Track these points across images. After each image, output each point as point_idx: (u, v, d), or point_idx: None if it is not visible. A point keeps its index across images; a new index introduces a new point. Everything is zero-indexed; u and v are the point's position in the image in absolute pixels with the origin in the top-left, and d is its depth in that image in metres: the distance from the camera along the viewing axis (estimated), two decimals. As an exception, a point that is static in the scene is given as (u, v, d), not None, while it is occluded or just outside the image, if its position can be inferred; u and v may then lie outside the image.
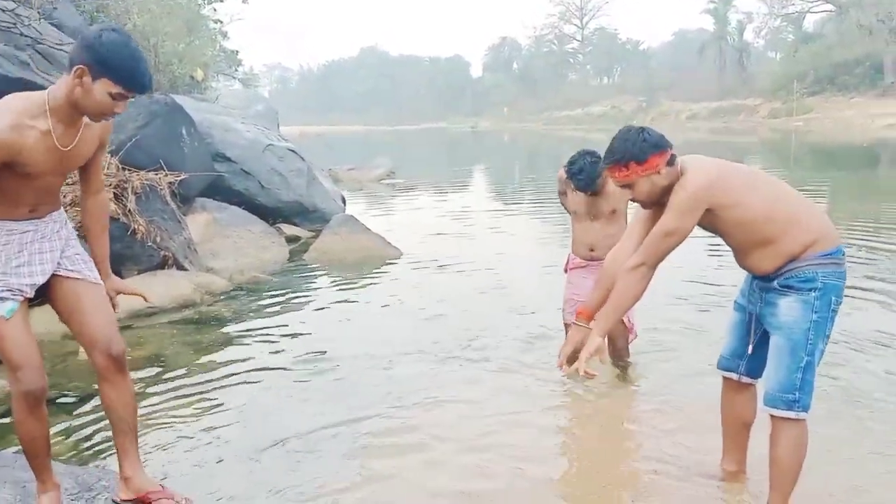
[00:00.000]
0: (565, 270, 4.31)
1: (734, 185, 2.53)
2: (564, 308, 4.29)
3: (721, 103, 48.24)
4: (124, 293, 2.79)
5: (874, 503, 2.85)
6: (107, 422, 3.77)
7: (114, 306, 2.70)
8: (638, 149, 2.53)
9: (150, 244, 6.34)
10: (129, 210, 6.29)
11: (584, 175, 3.82)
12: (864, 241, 7.91)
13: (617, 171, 2.57)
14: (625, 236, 2.81)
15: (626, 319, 4.11)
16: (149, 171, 6.83)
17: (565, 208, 4.28)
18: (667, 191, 2.56)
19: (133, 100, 7.30)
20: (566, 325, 4.30)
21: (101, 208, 2.68)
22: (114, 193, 6.31)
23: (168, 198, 6.90)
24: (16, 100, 2.22)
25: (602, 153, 2.80)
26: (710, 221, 2.56)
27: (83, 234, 2.73)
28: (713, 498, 2.93)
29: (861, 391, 3.91)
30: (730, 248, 2.71)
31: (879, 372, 4.18)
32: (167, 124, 7.46)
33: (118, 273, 6.09)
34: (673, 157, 2.56)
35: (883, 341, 4.73)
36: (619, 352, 4.23)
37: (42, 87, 2.41)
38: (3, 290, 2.29)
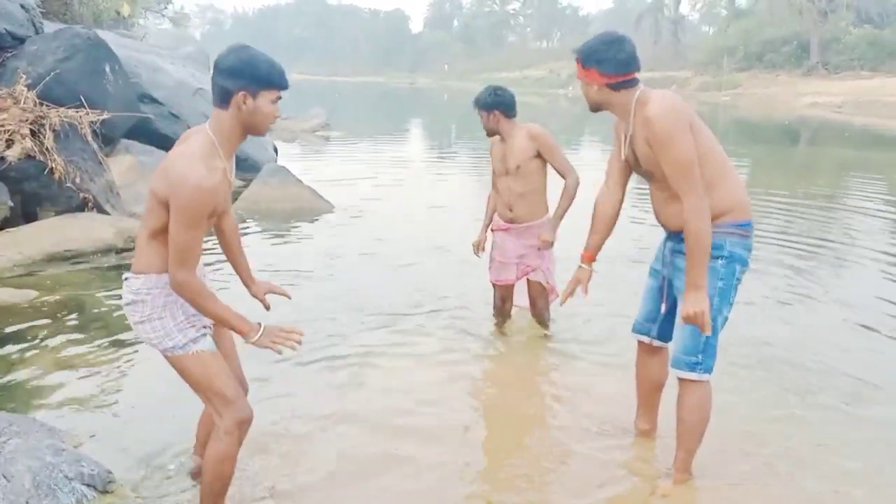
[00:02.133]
0: (491, 230, 4.37)
1: (690, 126, 2.55)
2: (489, 267, 4.35)
3: (654, 74, 48.91)
4: (274, 292, 2.76)
5: (770, 454, 3.03)
6: (17, 366, 3.68)
7: (266, 307, 2.74)
8: (589, 54, 2.60)
9: (68, 185, 6.08)
10: (47, 148, 6.01)
11: (477, 97, 4.07)
12: (779, 213, 8.25)
13: (575, 62, 2.65)
14: (605, 179, 2.89)
15: (544, 281, 4.22)
16: (69, 107, 6.51)
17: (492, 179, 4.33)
18: (603, 107, 2.66)
19: (53, 32, 6.88)
20: (493, 284, 4.37)
21: (236, 226, 2.74)
22: (30, 130, 6.01)
23: (89, 137, 6.60)
24: (193, 146, 2.20)
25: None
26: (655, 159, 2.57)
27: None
28: (626, 453, 3.06)
29: (767, 355, 4.12)
30: (652, 201, 2.77)
31: (785, 335, 4.40)
32: (89, 60, 7.08)
33: (34, 215, 5.91)
34: (619, 84, 2.58)
35: (788, 307, 4.98)
36: (539, 311, 4.33)
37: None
38: (199, 329, 2.36)
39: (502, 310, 4.44)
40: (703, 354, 2.65)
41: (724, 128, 22.68)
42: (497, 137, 4.14)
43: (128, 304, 2.35)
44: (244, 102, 2.19)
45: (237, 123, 2.23)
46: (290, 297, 2.81)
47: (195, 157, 2.16)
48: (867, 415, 3.46)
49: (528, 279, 4.26)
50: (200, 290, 2.22)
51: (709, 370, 2.68)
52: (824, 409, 3.51)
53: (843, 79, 36.39)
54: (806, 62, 40.31)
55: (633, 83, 2.60)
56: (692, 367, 2.66)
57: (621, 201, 2.93)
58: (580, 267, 3.01)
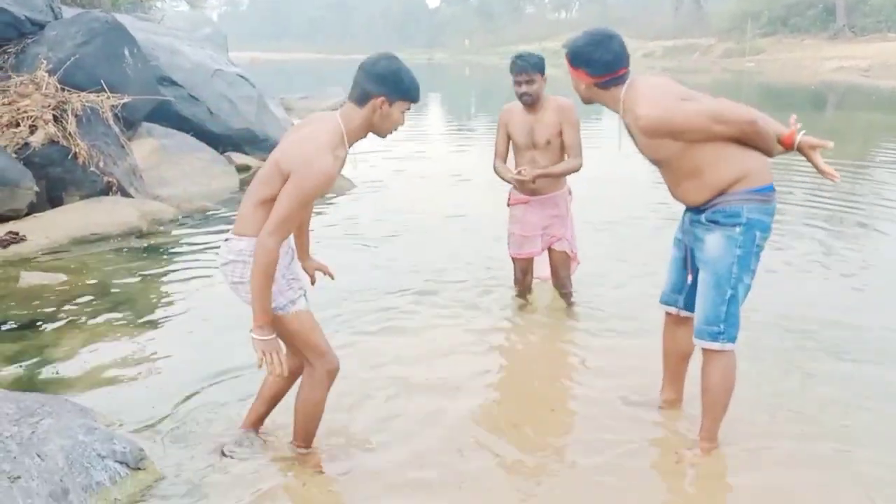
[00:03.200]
0: (508, 204, 4.31)
1: (687, 94, 2.58)
2: (509, 242, 4.30)
3: (676, 42, 48.16)
4: (322, 271, 2.97)
5: (796, 422, 3.01)
6: (49, 348, 3.75)
7: (312, 281, 2.93)
8: (577, 55, 2.63)
9: (92, 169, 6.14)
10: (70, 133, 6.06)
11: (523, 57, 3.87)
12: (802, 183, 8.11)
13: (565, 58, 2.68)
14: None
15: (569, 249, 4.19)
16: (90, 92, 6.55)
17: (497, 150, 4.15)
18: (594, 102, 2.70)
19: (71, 17, 6.92)
20: (512, 259, 4.35)
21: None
22: (52, 115, 6.06)
23: (111, 121, 6.65)
24: (324, 133, 2.39)
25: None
26: (658, 147, 2.58)
27: None
28: (652, 422, 3.06)
29: (795, 323, 4.07)
30: (665, 181, 2.75)
31: (811, 302, 4.35)
32: (108, 44, 7.11)
33: (60, 199, 5.98)
34: (607, 83, 2.61)
35: (814, 274, 4.91)
36: (561, 281, 4.30)
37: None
38: (297, 290, 2.56)
39: (523, 282, 4.41)
40: (724, 324, 2.62)
41: (749, 95, 22.28)
42: (514, 107, 4.03)
43: (226, 264, 2.52)
44: (381, 107, 2.41)
45: (367, 123, 2.45)
46: (333, 279, 3.02)
47: (325, 145, 2.35)
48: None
49: (550, 249, 4.21)
50: (273, 263, 2.36)
51: (732, 339, 2.65)
52: (851, 376, 3.46)
53: (869, 41, 35.52)
54: (832, 25, 39.36)
55: (620, 80, 2.63)
56: (714, 336, 2.64)
57: None
58: None
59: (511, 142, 4.12)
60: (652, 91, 2.57)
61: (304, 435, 2.73)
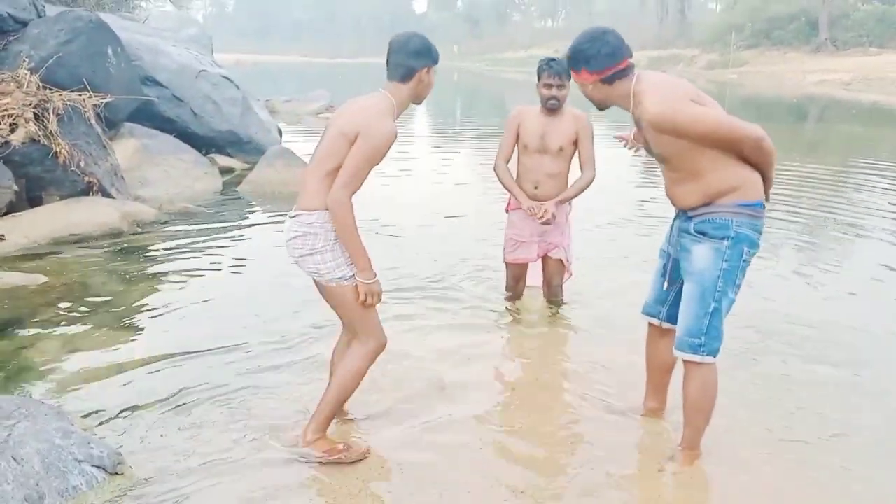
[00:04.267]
0: (507, 210, 4.33)
1: (697, 96, 2.56)
2: (505, 247, 4.33)
3: (661, 52, 48.55)
4: None
5: (778, 434, 3.02)
6: (26, 349, 3.69)
7: None
8: (575, 58, 2.62)
9: (73, 169, 6.07)
10: (51, 132, 5.98)
11: (557, 61, 3.88)
12: (785, 193, 8.19)
13: (570, 69, 2.70)
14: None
15: (565, 258, 4.21)
16: (72, 91, 6.48)
17: (502, 151, 4.17)
18: (605, 103, 2.66)
19: (55, 15, 6.85)
20: (506, 264, 4.36)
21: None
22: (34, 113, 5.99)
23: (93, 121, 6.58)
24: (382, 104, 2.66)
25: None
26: (667, 141, 2.54)
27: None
28: (635, 430, 3.06)
29: (776, 334, 4.10)
30: (664, 181, 2.75)
31: (794, 313, 4.38)
32: (91, 42, 7.04)
33: (39, 199, 5.90)
34: (613, 76, 2.57)
35: (793, 291, 4.95)
36: (553, 290, 4.32)
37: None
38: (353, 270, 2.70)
39: (515, 289, 4.43)
40: (706, 337, 2.62)
41: (732, 106, 22.48)
42: (527, 109, 4.05)
43: (295, 238, 2.68)
44: (426, 75, 2.72)
45: (412, 94, 2.74)
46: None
47: (386, 113, 2.64)
48: (872, 390, 3.45)
49: (546, 257, 4.23)
50: (351, 213, 2.59)
51: (713, 353, 2.65)
52: (831, 386, 3.49)
53: (851, 55, 36.02)
54: (814, 39, 39.87)
55: (626, 72, 2.59)
56: (695, 349, 2.64)
57: None
58: None
59: (519, 143, 4.12)
60: (662, 86, 2.54)
61: (335, 406, 2.79)
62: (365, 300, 2.66)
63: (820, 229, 6.70)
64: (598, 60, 2.56)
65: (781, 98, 26.31)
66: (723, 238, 2.58)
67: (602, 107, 2.70)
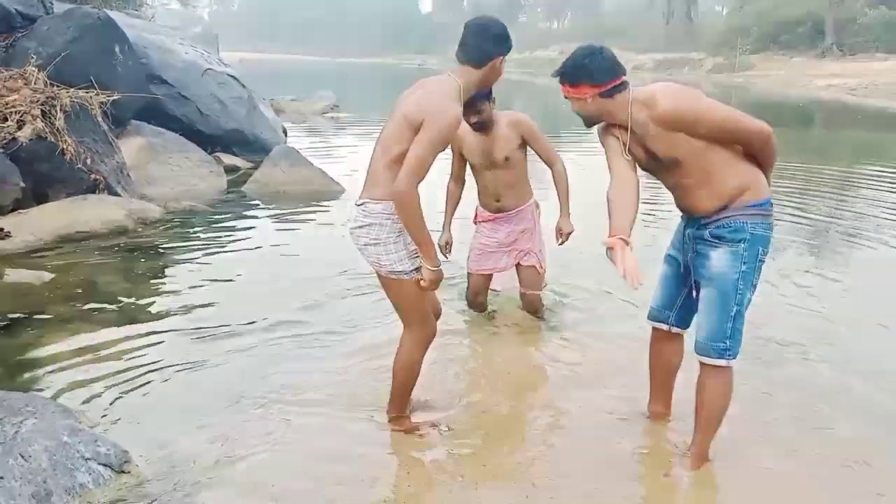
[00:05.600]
0: (474, 221, 4.23)
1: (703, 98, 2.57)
2: (469, 256, 4.20)
3: (667, 55, 48.49)
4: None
5: (785, 439, 3.02)
6: (33, 347, 3.70)
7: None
8: (574, 72, 2.59)
9: (79, 166, 6.09)
10: (58, 129, 6.01)
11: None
12: (790, 198, 8.19)
13: (561, 85, 2.64)
14: (613, 175, 2.64)
15: (538, 264, 4.08)
16: (79, 88, 6.50)
17: (453, 173, 4.13)
18: (600, 119, 2.64)
19: (63, 12, 6.88)
20: (469, 273, 4.25)
21: None
22: (41, 110, 6.01)
23: (99, 118, 6.60)
24: (447, 88, 2.65)
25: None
26: (680, 143, 2.53)
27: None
28: (642, 434, 3.06)
29: (783, 338, 4.09)
30: (673, 191, 2.73)
31: (799, 318, 4.38)
32: (99, 40, 7.07)
33: (46, 196, 5.92)
34: (612, 90, 2.57)
35: (797, 296, 4.95)
36: (532, 304, 4.22)
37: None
38: (418, 261, 2.74)
39: (475, 303, 4.30)
40: (730, 340, 2.62)
41: (738, 110, 22.45)
42: (465, 130, 3.81)
43: (360, 227, 2.72)
44: (500, 63, 2.72)
45: (482, 79, 2.72)
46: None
47: (452, 96, 2.62)
48: (880, 399, 3.44)
49: (519, 265, 4.12)
50: (417, 201, 2.58)
51: (736, 355, 2.66)
52: (839, 392, 3.49)
53: (858, 61, 35.92)
54: (820, 44, 39.77)
55: (624, 87, 2.60)
56: (721, 353, 2.64)
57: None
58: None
59: (468, 163, 4.04)
60: (669, 86, 2.58)
61: (401, 397, 2.95)
62: (426, 286, 2.71)
63: (824, 233, 6.69)
64: (601, 74, 2.57)
65: (787, 102, 26.26)
66: (740, 241, 2.59)
67: (592, 122, 2.70)
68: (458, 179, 4.13)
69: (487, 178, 3.98)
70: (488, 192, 4.03)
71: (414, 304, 2.79)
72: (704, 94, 2.60)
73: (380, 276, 2.81)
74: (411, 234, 2.64)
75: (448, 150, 3.77)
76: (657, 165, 2.66)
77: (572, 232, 3.98)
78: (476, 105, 3.67)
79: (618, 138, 2.67)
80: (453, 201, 4.17)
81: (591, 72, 2.57)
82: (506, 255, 4.11)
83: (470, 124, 3.77)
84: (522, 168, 3.98)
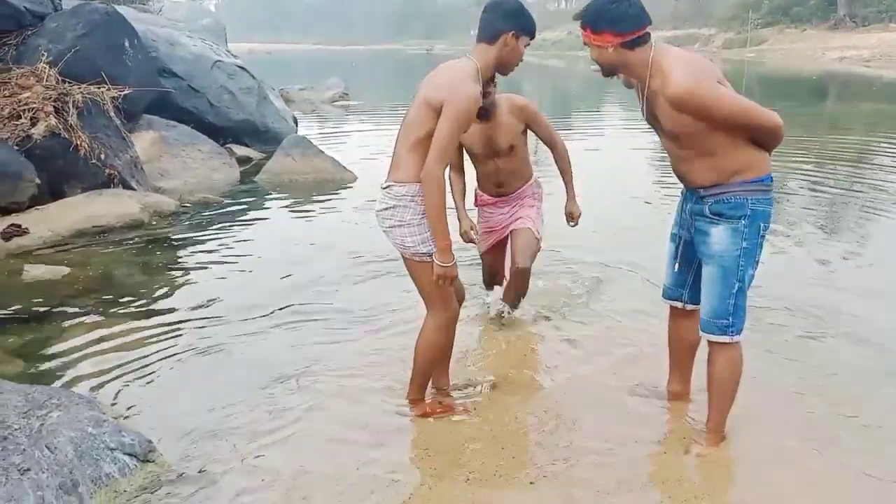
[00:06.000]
0: (475, 204, 4.11)
1: (718, 76, 2.49)
2: (478, 240, 4.05)
3: (677, 32, 48.05)
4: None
5: (803, 413, 3.01)
6: (54, 340, 3.74)
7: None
8: (598, 17, 2.47)
9: (93, 161, 6.13)
10: (71, 125, 6.05)
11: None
12: (805, 172, 8.11)
13: (581, 29, 2.54)
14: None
15: (535, 228, 3.86)
16: (90, 83, 6.53)
17: (451, 162, 3.79)
18: (619, 70, 2.55)
19: (71, 8, 6.86)
20: (482, 257, 4.18)
21: None
22: (54, 107, 6.04)
23: (112, 113, 6.63)
24: (464, 68, 2.67)
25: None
26: (685, 119, 2.46)
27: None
28: (660, 413, 3.06)
29: (796, 312, 4.07)
30: (671, 159, 2.68)
31: (814, 294, 4.35)
32: (108, 35, 7.08)
33: (62, 192, 5.97)
34: (633, 41, 2.46)
35: (815, 270, 4.91)
36: (518, 277, 3.88)
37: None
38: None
39: (492, 284, 4.22)
40: (733, 317, 2.61)
41: (750, 85, 22.23)
42: None
43: (385, 209, 2.76)
44: (510, 42, 2.69)
45: (497, 58, 2.72)
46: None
47: (469, 76, 2.63)
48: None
49: (514, 232, 3.87)
50: (443, 189, 2.64)
51: (740, 331, 2.65)
52: (854, 368, 3.47)
53: (871, 31, 35.44)
54: (833, 15, 39.24)
55: (646, 39, 2.49)
56: (724, 329, 2.63)
57: None
58: None
59: (466, 152, 3.83)
60: (690, 62, 2.46)
61: (422, 380, 2.99)
62: (437, 281, 2.73)
63: (840, 207, 6.63)
64: (625, 22, 2.44)
65: (801, 76, 25.97)
66: (740, 217, 2.55)
67: (611, 73, 2.59)
68: (458, 169, 3.91)
69: (489, 167, 3.83)
70: (490, 181, 3.91)
71: (436, 287, 2.79)
72: (719, 72, 2.55)
73: (404, 259, 2.83)
74: (430, 219, 2.66)
75: None
76: (659, 130, 2.62)
77: (581, 214, 3.93)
78: (484, 88, 3.42)
79: (640, 94, 2.59)
80: (460, 192, 3.92)
81: (614, 19, 2.44)
82: (505, 227, 3.98)
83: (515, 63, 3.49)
84: (524, 152, 3.86)
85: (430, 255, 2.74)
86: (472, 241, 3.90)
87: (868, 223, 6.20)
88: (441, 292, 2.82)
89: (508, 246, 3.96)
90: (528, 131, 3.83)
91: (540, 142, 3.92)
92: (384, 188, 2.78)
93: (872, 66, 28.22)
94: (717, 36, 44.46)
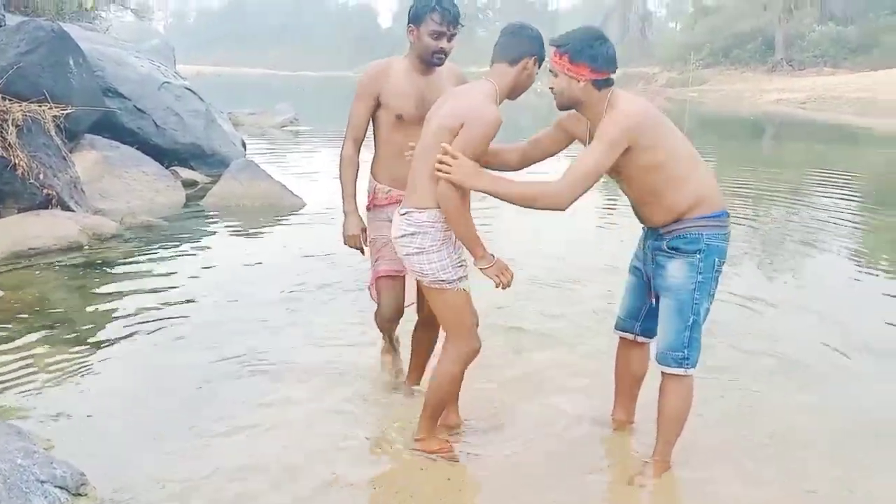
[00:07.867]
0: (368, 207, 3.43)
1: (657, 128, 2.59)
2: (375, 259, 3.42)
3: (622, 70, 49.44)
4: None
5: (745, 445, 3.08)
6: (14, 367, 3.59)
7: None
8: (580, 48, 2.52)
9: (31, 181, 5.95)
10: (10, 144, 5.87)
11: (451, 2, 2.99)
12: (743, 208, 8.38)
13: (555, 53, 2.58)
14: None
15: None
16: (32, 102, 6.36)
17: (353, 132, 3.20)
18: (579, 105, 2.61)
19: (15, 25, 6.68)
20: (377, 280, 3.62)
21: None
22: (-9, 125, 5.86)
23: (53, 132, 6.46)
24: (483, 90, 2.65)
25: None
26: (622, 162, 2.55)
27: None
28: (603, 442, 3.09)
29: (740, 347, 4.18)
30: (629, 198, 2.77)
31: (757, 333, 4.47)
32: (53, 53, 6.92)
33: (-3, 211, 5.75)
34: (604, 82, 2.55)
35: (758, 303, 5.06)
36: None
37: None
38: (464, 269, 2.73)
39: (396, 320, 3.50)
40: (688, 349, 2.68)
41: (691, 124, 22.94)
42: (386, 68, 3.16)
43: (404, 236, 2.69)
44: (531, 65, 2.68)
45: (514, 81, 2.69)
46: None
47: (489, 99, 2.62)
48: (835, 405, 3.53)
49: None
50: (461, 206, 2.59)
51: (694, 364, 2.71)
52: (794, 396, 3.57)
53: (806, 75, 37.05)
54: (771, 59, 40.94)
55: (611, 83, 2.60)
56: (679, 362, 2.69)
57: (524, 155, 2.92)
58: None
59: (381, 117, 3.13)
60: (638, 101, 2.62)
61: (433, 411, 2.85)
62: (499, 283, 2.67)
63: (777, 243, 6.86)
64: (603, 60, 2.53)
65: (740, 116, 26.92)
66: (695, 252, 2.63)
67: (568, 107, 2.66)
68: (358, 142, 3.20)
69: (413, 136, 2.89)
70: (397, 162, 3.07)
71: (458, 315, 2.74)
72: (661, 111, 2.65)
73: (423, 287, 2.79)
74: (457, 233, 2.63)
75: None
76: (613, 171, 2.66)
77: None
78: (454, 28, 3.00)
79: (587, 135, 2.67)
80: (354, 170, 3.21)
81: (594, 55, 2.52)
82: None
83: (431, 55, 3.00)
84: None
85: (450, 283, 2.68)
86: (358, 248, 3.27)
87: (800, 259, 6.43)
88: (464, 321, 2.74)
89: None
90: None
91: None
92: (402, 214, 2.71)
93: (807, 108, 29.46)
94: (660, 75, 45.82)
